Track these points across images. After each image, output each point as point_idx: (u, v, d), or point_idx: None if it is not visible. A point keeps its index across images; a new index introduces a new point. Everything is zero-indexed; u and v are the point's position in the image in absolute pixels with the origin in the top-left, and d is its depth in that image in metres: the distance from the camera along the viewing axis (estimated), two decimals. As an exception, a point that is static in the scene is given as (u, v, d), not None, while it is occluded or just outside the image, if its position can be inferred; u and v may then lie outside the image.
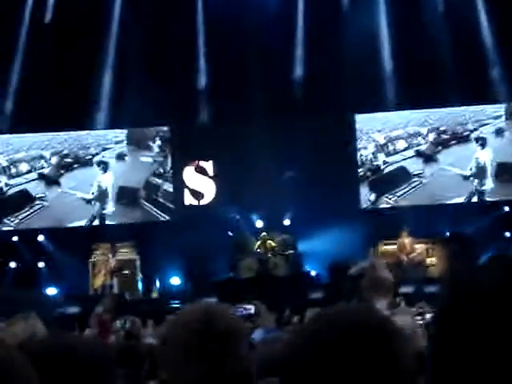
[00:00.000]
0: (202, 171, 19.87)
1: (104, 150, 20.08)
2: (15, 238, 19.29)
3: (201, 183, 19.86)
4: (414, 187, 19.81)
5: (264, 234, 18.54)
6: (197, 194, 19.85)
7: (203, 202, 19.77)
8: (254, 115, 18.59)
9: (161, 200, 20.02)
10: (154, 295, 18.52)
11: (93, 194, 19.86)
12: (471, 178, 19.55)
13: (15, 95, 19.20)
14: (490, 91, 18.99)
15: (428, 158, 19.85)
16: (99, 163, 20.00)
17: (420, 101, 19.09)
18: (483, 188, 19.52)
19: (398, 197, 19.74)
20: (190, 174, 19.94)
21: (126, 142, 20.19)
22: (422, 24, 18.72)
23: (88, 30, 18.57)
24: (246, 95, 18.64)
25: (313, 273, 18.62)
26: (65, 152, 20.08)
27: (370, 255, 15.93)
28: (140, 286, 18.67)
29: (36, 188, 19.98)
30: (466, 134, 19.79)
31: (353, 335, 1.41)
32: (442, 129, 19.90)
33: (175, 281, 18.76)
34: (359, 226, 18.22)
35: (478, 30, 19.03)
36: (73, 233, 19.11)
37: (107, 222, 19.87)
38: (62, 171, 20.04)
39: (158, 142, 20.17)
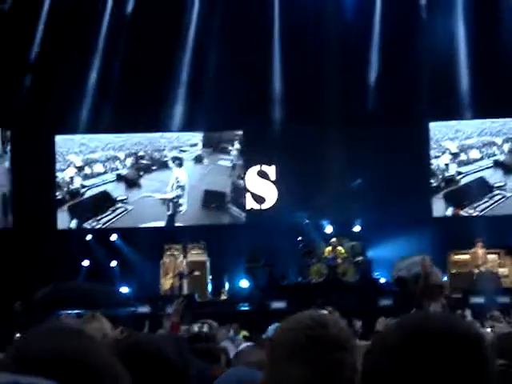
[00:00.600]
0: (263, 175, 19.97)
1: (180, 152, 20.31)
2: (89, 237, 19.60)
3: (263, 187, 19.98)
4: (496, 201, 19.54)
5: (334, 239, 18.50)
6: (259, 199, 20.00)
7: (264, 206, 19.88)
8: (327, 121, 18.56)
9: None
10: (223, 297, 18.62)
11: (171, 189, 20.11)
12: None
13: (92, 94, 19.47)
14: None
15: (507, 169, 19.54)
16: (174, 159, 20.23)
17: (496, 110, 18.84)
18: None
19: (480, 211, 19.48)
20: (251, 178, 20.10)
21: (201, 144, 20.36)
22: (501, 31, 18.44)
23: (167, 29, 18.79)
24: (319, 101, 18.61)
25: (382, 280, 18.49)
26: (140, 154, 20.35)
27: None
28: (209, 287, 18.79)
29: (116, 190, 20.28)
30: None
31: (442, 343, 1.43)
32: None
33: (244, 284, 18.83)
34: (430, 235, 18.03)
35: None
36: (145, 233, 19.34)
37: (179, 224, 20.07)
38: (141, 173, 20.32)
39: (237, 146, 20.32)
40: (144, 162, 20.30)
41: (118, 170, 20.31)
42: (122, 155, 20.32)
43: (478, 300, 15.88)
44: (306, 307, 15.08)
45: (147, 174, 20.25)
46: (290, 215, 18.74)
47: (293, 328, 1.96)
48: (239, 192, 20.19)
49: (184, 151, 20.26)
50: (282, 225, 18.55)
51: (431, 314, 1.61)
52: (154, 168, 20.28)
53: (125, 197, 20.19)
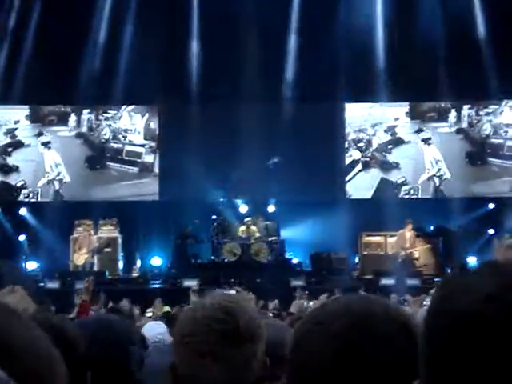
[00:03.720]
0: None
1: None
2: (-4, 210, 19.21)
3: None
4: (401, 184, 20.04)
5: (248, 218, 18.51)
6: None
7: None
8: (243, 98, 18.50)
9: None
10: (135, 275, 18.47)
11: (51, 170, 20.02)
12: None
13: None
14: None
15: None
16: (43, 144, 20.20)
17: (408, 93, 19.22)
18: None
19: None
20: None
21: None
22: (418, 17, 18.66)
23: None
24: (236, 77, 18.54)
25: (295, 260, 18.61)
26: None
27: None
28: (121, 264, 18.61)
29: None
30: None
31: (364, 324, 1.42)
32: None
33: (156, 261, 18.70)
34: (343, 216, 18.20)
35: (473, 24, 18.98)
36: (55, 208, 18.97)
37: (91, 199, 19.80)
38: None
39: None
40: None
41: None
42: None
43: (388, 282, 16.10)
44: (218, 285, 15.08)
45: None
46: (204, 193, 18.65)
47: (204, 323, 1.87)
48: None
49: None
50: (196, 202, 18.46)
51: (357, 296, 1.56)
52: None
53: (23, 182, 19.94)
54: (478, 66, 18.53)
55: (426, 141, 19.99)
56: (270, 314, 8.27)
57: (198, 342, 1.84)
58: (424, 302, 7.40)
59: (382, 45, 19.20)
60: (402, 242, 17.61)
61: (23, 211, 19.34)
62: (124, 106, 20.16)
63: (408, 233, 17.64)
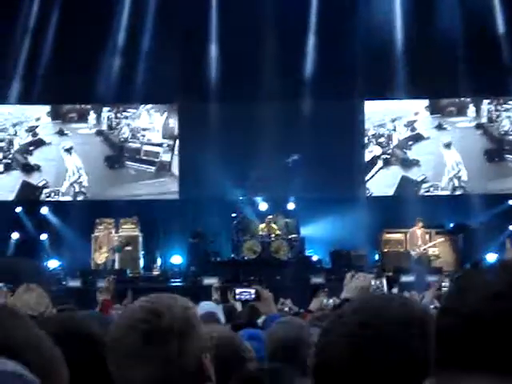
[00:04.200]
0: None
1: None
2: (19, 209, 19.30)
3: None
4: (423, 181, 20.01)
5: (268, 216, 18.53)
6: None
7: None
8: (263, 96, 18.51)
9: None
10: (155, 273, 18.55)
11: (73, 174, 20.16)
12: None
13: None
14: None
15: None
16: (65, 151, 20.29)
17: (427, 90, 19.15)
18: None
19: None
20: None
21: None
22: (436, 13, 18.60)
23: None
24: (255, 76, 18.53)
25: (315, 257, 18.62)
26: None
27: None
28: (142, 262, 18.69)
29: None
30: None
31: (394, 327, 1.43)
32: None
33: (177, 259, 18.77)
34: (363, 213, 18.21)
35: (492, 20, 18.91)
36: (77, 207, 19.09)
37: (111, 198, 19.89)
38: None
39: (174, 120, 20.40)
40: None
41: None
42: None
43: (408, 279, 16.09)
44: (237, 283, 15.11)
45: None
46: (224, 191, 18.70)
47: (126, 324, 1.86)
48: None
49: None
50: (216, 201, 18.52)
51: (385, 296, 1.58)
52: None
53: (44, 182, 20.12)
54: (497, 63, 18.47)
55: (447, 146, 19.93)
56: (286, 309, 8.27)
57: (121, 346, 1.82)
58: (443, 284, 7.36)
59: (401, 42, 19.16)
60: (414, 240, 17.69)
61: (45, 210, 19.45)
62: (143, 105, 20.25)
63: (418, 230, 17.71)
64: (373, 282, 3.18)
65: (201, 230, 18.46)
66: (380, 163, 20.14)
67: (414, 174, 20.04)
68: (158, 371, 1.80)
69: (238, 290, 6.87)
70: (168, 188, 20.18)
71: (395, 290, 12.86)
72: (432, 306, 5.87)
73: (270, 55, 18.68)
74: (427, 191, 19.96)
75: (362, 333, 1.42)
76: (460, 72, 18.28)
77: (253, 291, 3.97)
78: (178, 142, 20.25)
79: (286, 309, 8.62)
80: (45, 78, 18.78)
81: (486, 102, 20.01)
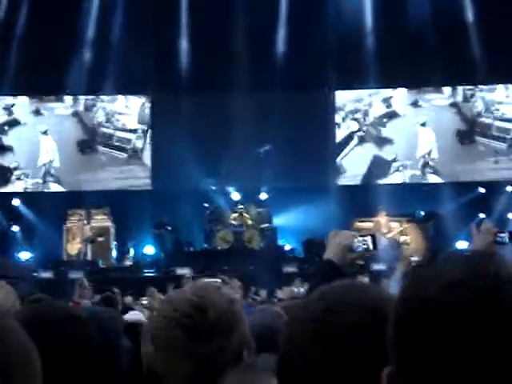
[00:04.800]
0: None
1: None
2: (-10, 201, 19.22)
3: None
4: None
5: (240, 206, 18.57)
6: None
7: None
8: (234, 86, 18.52)
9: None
10: (128, 263, 18.53)
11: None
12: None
13: None
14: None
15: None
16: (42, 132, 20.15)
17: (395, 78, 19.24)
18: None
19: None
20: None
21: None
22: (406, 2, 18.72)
23: None
24: (226, 67, 18.55)
25: (287, 247, 18.69)
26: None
27: None
28: (114, 253, 18.67)
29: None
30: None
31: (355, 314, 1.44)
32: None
33: (149, 250, 18.76)
34: (335, 202, 18.32)
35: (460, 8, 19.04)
36: (48, 198, 19.01)
37: (83, 189, 19.83)
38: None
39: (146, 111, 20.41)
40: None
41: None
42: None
43: (379, 267, 16.20)
44: (210, 273, 15.13)
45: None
46: (196, 182, 18.70)
47: (170, 317, 1.84)
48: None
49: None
50: (188, 191, 18.52)
51: (350, 284, 1.57)
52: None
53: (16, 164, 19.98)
54: (467, 51, 18.63)
55: (422, 124, 20.04)
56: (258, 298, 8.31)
57: (164, 338, 1.82)
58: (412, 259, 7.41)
59: (372, 30, 19.23)
60: (378, 228, 17.85)
61: (16, 202, 19.36)
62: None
63: (382, 219, 17.87)
64: (356, 240, 3.10)
65: (164, 220, 18.47)
66: (355, 140, 20.22)
67: (387, 153, 20.13)
68: (199, 367, 1.80)
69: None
70: (137, 175, 20.14)
71: (366, 279, 12.98)
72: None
73: (241, 46, 18.72)
74: (397, 170, 20.05)
75: (324, 318, 1.43)
76: (430, 60, 18.39)
77: (219, 281, 3.97)
78: (150, 132, 20.19)
79: (259, 298, 8.68)
80: (16, 70, 18.70)
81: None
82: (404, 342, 1.12)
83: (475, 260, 1.13)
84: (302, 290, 9.36)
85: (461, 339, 1.06)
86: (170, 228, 18.46)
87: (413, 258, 7.21)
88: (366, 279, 12.97)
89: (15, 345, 1.23)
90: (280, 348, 1.49)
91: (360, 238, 3.09)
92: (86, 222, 18.54)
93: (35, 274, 16.69)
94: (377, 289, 1.58)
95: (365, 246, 3.11)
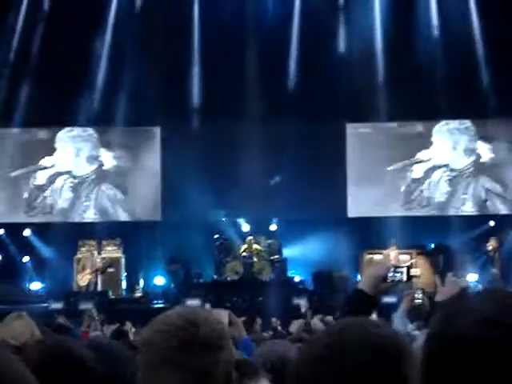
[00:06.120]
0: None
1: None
2: (1, 232, 19.26)
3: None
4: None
5: (250, 237, 18.58)
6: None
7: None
8: (245, 118, 18.61)
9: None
10: (138, 294, 18.52)
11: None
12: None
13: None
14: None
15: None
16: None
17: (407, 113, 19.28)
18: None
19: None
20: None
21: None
22: (416, 36, 18.79)
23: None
24: (238, 98, 18.64)
25: (297, 278, 18.67)
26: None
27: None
28: (124, 284, 18.68)
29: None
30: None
31: (361, 356, 1.41)
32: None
33: (159, 281, 18.75)
34: (345, 234, 18.32)
35: (471, 42, 19.11)
36: (59, 229, 19.06)
37: (93, 220, 19.88)
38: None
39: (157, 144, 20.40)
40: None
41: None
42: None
43: (390, 300, 16.14)
44: (219, 304, 15.08)
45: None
46: (206, 212, 18.73)
47: (163, 330, 1.89)
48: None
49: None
50: (198, 222, 18.55)
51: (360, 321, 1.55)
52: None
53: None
54: (478, 87, 18.72)
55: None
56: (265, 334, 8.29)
57: (156, 350, 1.85)
58: (416, 295, 7.39)
59: (383, 66, 19.30)
60: (388, 261, 17.81)
61: (27, 232, 19.41)
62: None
63: (392, 252, 17.85)
64: (390, 273, 3.09)
65: (177, 256, 18.49)
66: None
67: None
68: (190, 380, 1.83)
69: None
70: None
71: (374, 315, 12.92)
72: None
73: (253, 76, 18.82)
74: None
75: (328, 356, 1.42)
76: (441, 96, 18.43)
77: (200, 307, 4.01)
78: (160, 163, 20.15)
79: (266, 335, 8.68)
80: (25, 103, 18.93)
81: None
82: (437, 377, 1.14)
83: (504, 298, 1.16)
84: (314, 322, 9.33)
85: (495, 374, 1.08)
86: (182, 263, 18.46)
87: (416, 295, 7.15)
88: (374, 316, 12.94)
89: (10, 378, 1.25)
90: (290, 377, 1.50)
91: (395, 269, 3.09)
92: (96, 252, 18.57)
93: (46, 305, 16.70)
94: (385, 327, 1.56)
95: (398, 277, 3.11)
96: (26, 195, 19.89)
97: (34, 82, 18.88)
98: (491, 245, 18.26)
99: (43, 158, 20.01)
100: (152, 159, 20.02)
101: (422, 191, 19.98)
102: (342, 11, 19.45)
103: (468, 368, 1.09)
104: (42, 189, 19.97)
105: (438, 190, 19.96)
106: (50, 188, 20.03)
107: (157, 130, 20.11)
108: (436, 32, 18.93)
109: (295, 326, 8.48)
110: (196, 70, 19.59)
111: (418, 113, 19.43)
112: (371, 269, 3.07)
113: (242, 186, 18.56)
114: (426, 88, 18.43)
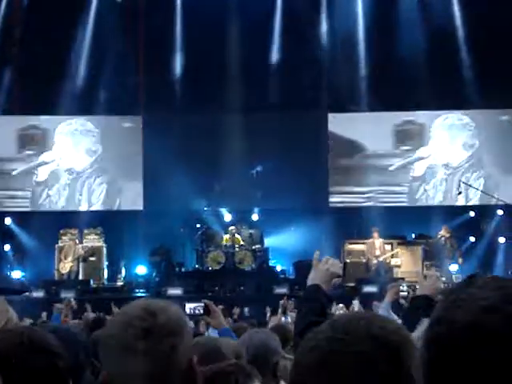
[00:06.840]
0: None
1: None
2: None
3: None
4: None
5: (232, 227, 18.60)
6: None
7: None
8: (226, 108, 18.62)
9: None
10: (119, 283, 18.53)
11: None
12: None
13: None
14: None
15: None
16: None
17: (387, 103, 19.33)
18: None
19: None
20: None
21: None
22: (398, 26, 18.84)
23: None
24: (219, 88, 18.66)
25: (278, 268, 18.72)
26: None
27: None
28: (105, 273, 18.67)
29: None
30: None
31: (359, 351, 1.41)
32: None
33: (141, 270, 18.76)
34: (326, 224, 18.38)
35: (452, 33, 19.19)
36: (40, 217, 19.00)
37: (76, 209, 19.85)
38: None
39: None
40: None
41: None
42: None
43: (371, 289, 16.24)
44: (201, 293, 15.10)
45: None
46: (188, 202, 18.74)
47: (123, 321, 1.94)
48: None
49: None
50: (180, 212, 18.56)
51: (352, 317, 1.54)
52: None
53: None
54: (459, 77, 18.79)
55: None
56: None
57: (117, 339, 1.90)
58: (401, 288, 7.43)
59: (365, 54, 19.35)
60: (372, 250, 17.91)
61: (8, 221, 19.36)
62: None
63: (376, 241, 17.93)
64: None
65: (160, 247, 18.51)
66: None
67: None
68: (152, 367, 1.88)
69: (187, 306, 6.93)
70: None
71: (356, 302, 13.03)
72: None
73: (234, 66, 18.84)
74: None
75: (331, 348, 1.42)
76: (424, 85, 18.48)
77: (202, 305, 4.05)
78: (142, 152, 20.13)
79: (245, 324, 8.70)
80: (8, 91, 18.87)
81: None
82: (435, 362, 1.15)
83: (508, 287, 1.17)
84: (288, 318, 9.34)
85: (492, 363, 1.09)
86: (163, 252, 18.48)
87: (401, 288, 7.21)
88: (356, 302, 13.03)
89: None
90: (289, 376, 1.51)
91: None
92: (78, 241, 18.54)
93: (27, 293, 16.68)
94: (384, 319, 1.54)
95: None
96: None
97: (15, 71, 18.80)
98: (442, 234, 18.30)
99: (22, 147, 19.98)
100: (134, 148, 19.95)
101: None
102: (324, 1, 19.47)
103: (472, 354, 1.11)
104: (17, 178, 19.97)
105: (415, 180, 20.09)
106: (33, 179, 20.04)
107: (139, 119, 20.08)
108: (418, 22, 18.94)
109: (274, 321, 8.49)
110: (178, 59, 19.57)
111: (399, 103, 19.50)
112: (325, 266, 3.13)
113: (224, 176, 18.59)
114: (408, 78, 18.47)
